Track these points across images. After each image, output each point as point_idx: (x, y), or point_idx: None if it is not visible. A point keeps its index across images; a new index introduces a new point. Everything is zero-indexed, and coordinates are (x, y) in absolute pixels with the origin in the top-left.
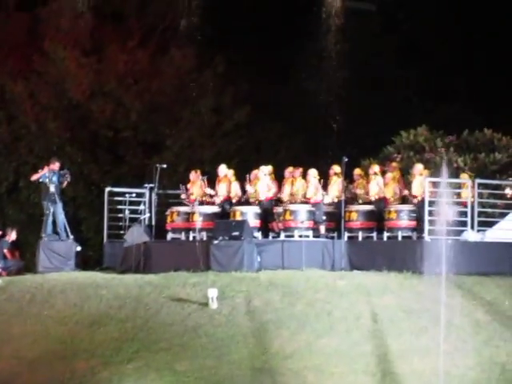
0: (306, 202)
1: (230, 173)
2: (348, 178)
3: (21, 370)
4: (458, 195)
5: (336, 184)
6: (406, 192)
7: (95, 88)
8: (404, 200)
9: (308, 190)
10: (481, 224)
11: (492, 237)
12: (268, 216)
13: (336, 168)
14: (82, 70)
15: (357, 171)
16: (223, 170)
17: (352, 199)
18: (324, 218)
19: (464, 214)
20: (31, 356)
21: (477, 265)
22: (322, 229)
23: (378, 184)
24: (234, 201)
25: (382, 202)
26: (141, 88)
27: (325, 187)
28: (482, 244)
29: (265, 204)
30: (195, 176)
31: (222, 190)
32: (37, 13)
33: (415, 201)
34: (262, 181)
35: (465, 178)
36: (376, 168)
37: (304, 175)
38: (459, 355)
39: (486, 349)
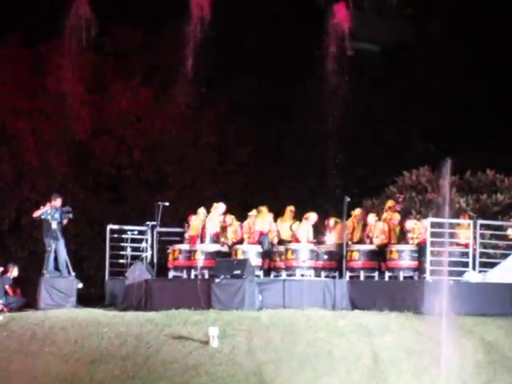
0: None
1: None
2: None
3: None
4: (458, 236)
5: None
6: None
7: (98, 125)
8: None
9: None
10: (482, 265)
11: (493, 278)
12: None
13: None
14: (84, 107)
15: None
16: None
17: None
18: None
19: (465, 254)
20: None
21: (478, 305)
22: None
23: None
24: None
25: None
26: (143, 126)
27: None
28: (483, 285)
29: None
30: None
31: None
32: (39, 50)
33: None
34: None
35: (465, 219)
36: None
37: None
38: None
39: None
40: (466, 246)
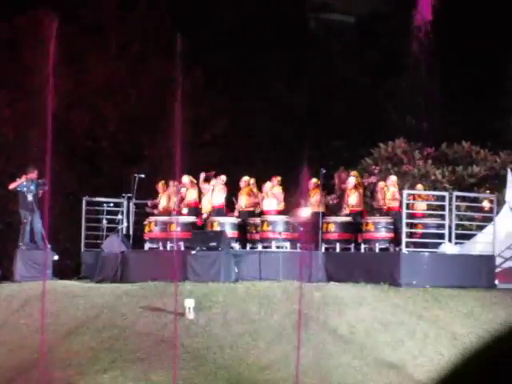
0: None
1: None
2: (326, 189)
3: None
4: (412, 206)
5: (316, 196)
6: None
7: (74, 98)
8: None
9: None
10: (458, 237)
11: (469, 250)
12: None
13: (314, 180)
14: (60, 79)
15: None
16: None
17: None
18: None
19: (441, 226)
20: (7, 365)
21: (454, 277)
22: None
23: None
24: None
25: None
26: (119, 99)
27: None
28: (459, 257)
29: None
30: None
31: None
32: (15, 22)
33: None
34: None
35: (419, 188)
36: (353, 180)
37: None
38: (435, 368)
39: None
40: (419, 216)
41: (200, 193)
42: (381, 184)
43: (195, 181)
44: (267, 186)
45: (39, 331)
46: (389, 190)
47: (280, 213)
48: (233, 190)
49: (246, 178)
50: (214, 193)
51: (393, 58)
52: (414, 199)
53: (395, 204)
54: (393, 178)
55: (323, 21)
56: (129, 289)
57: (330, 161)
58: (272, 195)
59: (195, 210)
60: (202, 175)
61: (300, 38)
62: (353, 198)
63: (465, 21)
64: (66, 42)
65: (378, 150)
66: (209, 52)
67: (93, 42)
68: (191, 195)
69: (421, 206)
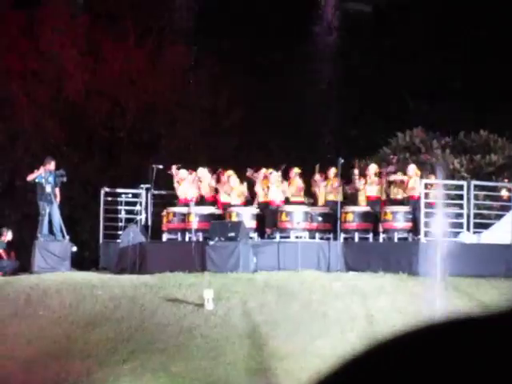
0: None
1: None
2: (344, 178)
3: (16, 370)
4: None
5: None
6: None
7: (91, 87)
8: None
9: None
10: (476, 226)
11: (488, 239)
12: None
13: (333, 170)
14: (78, 70)
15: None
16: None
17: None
18: (320, 218)
19: (460, 215)
20: (26, 356)
21: (472, 266)
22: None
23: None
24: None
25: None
26: (137, 88)
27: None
28: (477, 246)
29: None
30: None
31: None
32: (32, 12)
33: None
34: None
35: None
36: (374, 168)
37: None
38: None
39: None
40: (418, 198)
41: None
42: (400, 175)
43: (208, 176)
44: (274, 176)
45: (57, 322)
46: (411, 178)
47: (298, 203)
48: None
49: (263, 171)
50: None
51: (409, 45)
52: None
53: (414, 193)
54: (412, 167)
55: (339, 8)
56: (147, 280)
57: (347, 150)
58: (280, 186)
59: (212, 202)
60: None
61: (316, 26)
62: (371, 187)
63: (489, 7)
64: (83, 31)
65: (396, 139)
66: (227, 40)
67: (110, 31)
68: (205, 189)
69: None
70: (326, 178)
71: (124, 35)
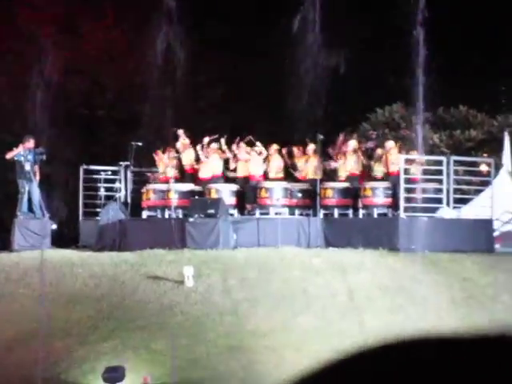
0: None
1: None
2: (324, 155)
3: None
4: (407, 172)
5: (314, 162)
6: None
7: (70, 66)
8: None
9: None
10: (456, 201)
11: (467, 214)
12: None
13: (312, 146)
14: (57, 48)
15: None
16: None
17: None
18: (299, 194)
19: (439, 191)
20: (7, 335)
21: (452, 242)
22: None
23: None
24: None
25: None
26: (116, 66)
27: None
28: (457, 221)
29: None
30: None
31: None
32: None
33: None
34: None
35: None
36: (354, 144)
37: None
38: (436, 331)
39: (462, 326)
40: (414, 180)
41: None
42: (379, 151)
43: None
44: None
45: (38, 301)
46: (390, 154)
47: (278, 180)
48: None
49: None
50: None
51: (391, 19)
52: (411, 164)
53: (394, 168)
54: (391, 143)
55: None
56: (128, 257)
57: (327, 126)
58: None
59: (192, 176)
60: (206, 140)
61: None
62: (351, 163)
63: None
64: (61, 8)
65: (375, 114)
66: (206, 17)
67: (89, 9)
68: (187, 160)
69: (419, 171)
70: (305, 154)
71: (103, 12)
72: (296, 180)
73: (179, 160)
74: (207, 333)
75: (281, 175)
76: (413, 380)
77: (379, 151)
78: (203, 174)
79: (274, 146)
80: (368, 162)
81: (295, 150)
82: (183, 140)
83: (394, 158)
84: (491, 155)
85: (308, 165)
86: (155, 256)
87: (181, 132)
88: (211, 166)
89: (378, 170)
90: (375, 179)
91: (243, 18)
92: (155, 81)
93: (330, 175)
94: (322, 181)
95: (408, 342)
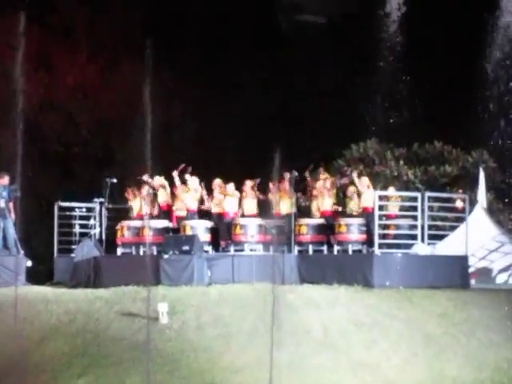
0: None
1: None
2: (298, 190)
3: None
4: (385, 208)
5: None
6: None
7: (45, 102)
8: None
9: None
10: (431, 237)
11: (442, 250)
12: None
13: (286, 183)
14: (31, 84)
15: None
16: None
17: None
18: (274, 231)
19: (414, 227)
20: None
21: (427, 278)
22: None
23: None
24: None
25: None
26: (91, 103)
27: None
28: (432, 257)
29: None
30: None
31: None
32: None
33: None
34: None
35: (392, 191)
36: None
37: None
38: (410, 368)
39: (437, 362)
40: (391, 217)
41: (173, 195)
42: (351, 189)
43: (165, 183)
44: (230, 187)
45: (13, 337)
46: (363, 192)
47: (252, 216)
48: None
49: (217, 181)
50: (190, 196)
51: (365, 58)
52: (386, 201)
53: (368, 205)
54: (365, 179)
55: (294, 21)
56: (102, 294)
57: (302, 162)
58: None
59: (167, 213)
60: (176, 173)
61: (271, 39)
62: (326, 200)
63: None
64: (36, 45)
65: (350, 151)
66: (180, 54)
67: (63, 46)
68: (162, 197)
69: (393, 207)
70: (280, 190)
71: (77, 49)
72: (270, 216)
73: (154, 196)
74: (181, 369)
75: (255, 212)
76: None
77: (351, 188)
78: (178, 211)
79: (248, 183)
80: (343, 199)
81: (270, 185)
82: (157, 178)
83: (367, 194)
84: (466, 191)
85: (282, 201)
86: (129, 293)
87: (146, 177)
88: (186, 202)
89: (352, 206)
90: (349, 215)
91: (217, 53)
92: (129, 117)
93: (305, 211)
94: (296, 217)
95: None
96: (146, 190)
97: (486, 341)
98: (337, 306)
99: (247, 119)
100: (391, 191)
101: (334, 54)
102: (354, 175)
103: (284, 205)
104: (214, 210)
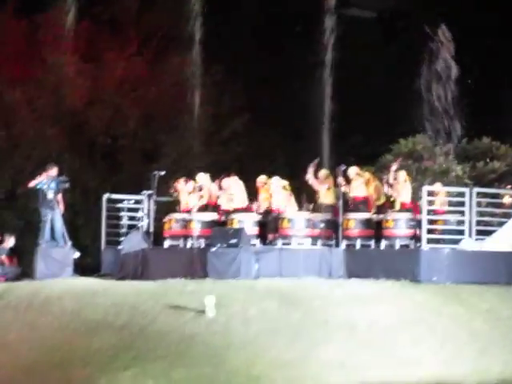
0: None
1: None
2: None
3: (17, 378)
4: (432, 203)
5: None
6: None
7: (93, 95)
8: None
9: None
10: (479, 233)
11: (490, 246)
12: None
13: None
14: (79, 77)
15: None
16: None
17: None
18: (322, 225)
19: (462, 222)
20: (27, 363)
21: (474, 274)
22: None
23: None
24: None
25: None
26: (139, 95)
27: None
28: (479, 253)
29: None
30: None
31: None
32: (35, 19)
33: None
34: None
35: (439, 185)
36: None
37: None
38: (456, 364)
39: (482, 358)
40: (439, 212)
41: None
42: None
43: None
44: (276, 183)
45: (59, 329)
46: (402, 186)
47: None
48: (252, 187)
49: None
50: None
51: (413, 53)
52: (434, 196)
53: (405, 200)
54: (402, 174)
55: (343, 16)
56: (149, 286)
57: (350, 157)
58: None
59: (214, 208)
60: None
61: (319, 34)
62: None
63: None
64: (84, 38)
65: (398, 145)
66: (228, 49)
67: (111, 38)
68: (207, 196)
69: (441, 203)
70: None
71: (126, 42)
72: (318, 210)
73: (200, 190)
74: (228, 363)
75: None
76: None
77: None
78: (226, 206)
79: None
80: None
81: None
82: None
83: (403, 189)
84: None
85: (328, 192)
86: (176, 286)
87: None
88: (234, 200)
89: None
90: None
91: (267, 48)
92: (177, 110)
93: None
94: (344, 211)
95: None
96: (193, 184)
97: None
98: (383, 302)
99: (296, 114)
100: (439, 186)
101: (382, 48)
102: (393, 169)
103: (329, 196)
104: (263, 207)
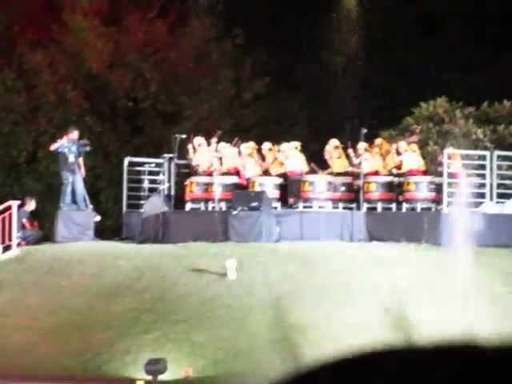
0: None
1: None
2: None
3: (38, 341)
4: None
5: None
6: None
7: (114, 58)
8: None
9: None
10: (499, 196)
11: (511, 208)
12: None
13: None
14: (100, 40)
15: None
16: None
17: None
18: (343, 188)
19: (483, 185)
20: (48, 326)
21: (495, 237)
22: None
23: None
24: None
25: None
26: (160, 58)
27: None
28: (500, 216)
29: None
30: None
31: None
32: None
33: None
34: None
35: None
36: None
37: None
38: (477, 327)
39: (504, 321)
40: (456, 175)
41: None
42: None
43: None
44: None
45: (80, 292)
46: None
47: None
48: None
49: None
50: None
51: (433, 16)
52: (453, 159)
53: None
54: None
55: None
56: (170, 249)
57: (372, 120)
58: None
59: (235, 173)
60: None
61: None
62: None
63: None
64: (105, 2)
65: (419, 109)
66: (249, 11)
67: (132, 2)
68: (229, 160)
69: (455, 166)
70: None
71: (147, 6)
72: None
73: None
74: (249, 325)
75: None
76: None
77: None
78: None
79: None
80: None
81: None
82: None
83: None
84: None
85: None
86: (198, 248)
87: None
88: (251, 169)
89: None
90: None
91: (289, 11)
92: (198, 73)
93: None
94: (365, 175)
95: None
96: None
97: None
98: (405, 265)
99: (317, 77)
100: (459, 150)
101: (402, 10)
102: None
103: (341, 164)
104: (280, 171)
